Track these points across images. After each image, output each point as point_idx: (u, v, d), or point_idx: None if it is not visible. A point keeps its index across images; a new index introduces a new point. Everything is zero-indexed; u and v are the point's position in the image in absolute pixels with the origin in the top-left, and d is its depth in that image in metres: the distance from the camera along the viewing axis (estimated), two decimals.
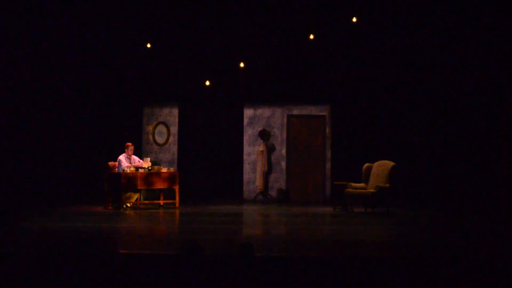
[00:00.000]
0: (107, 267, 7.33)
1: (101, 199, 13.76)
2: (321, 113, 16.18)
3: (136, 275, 7.14)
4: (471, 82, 14.68)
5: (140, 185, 13.38)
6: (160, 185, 13.66)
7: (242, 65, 14.89)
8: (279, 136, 16.27)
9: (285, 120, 16.28)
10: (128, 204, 13.50)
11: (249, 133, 16.31)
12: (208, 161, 16.20)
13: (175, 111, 16.37)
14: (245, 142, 16.30)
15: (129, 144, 13.74)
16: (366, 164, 13.74)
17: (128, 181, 13.24)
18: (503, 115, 14.14)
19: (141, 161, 13.89)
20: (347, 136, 15.66)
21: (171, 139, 16.36)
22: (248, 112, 16.34)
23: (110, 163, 13.86)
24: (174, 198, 13.83)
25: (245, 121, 16.32)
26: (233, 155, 16.26)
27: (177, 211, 13.28)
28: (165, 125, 16.36)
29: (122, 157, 13.57)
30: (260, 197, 16.09)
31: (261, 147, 16.05)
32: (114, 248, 8.68)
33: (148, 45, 14.94)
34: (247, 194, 16.20)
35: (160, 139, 16.35)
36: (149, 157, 15.89)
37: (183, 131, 16.32)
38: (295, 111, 16.28)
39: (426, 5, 14.57)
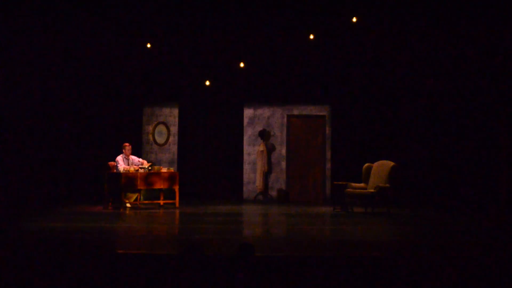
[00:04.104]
0: (106, 267, 7.33)
1: (101, 199, 13.75)
2: (321, 113, 16.18)
3: (136, 275, 7.14)
4: (471, 81, 14.68)
5: (140, 185, 13.37)
6: (160, 185, 13.65)
7: (242, 65, 14.89)
8: (279, 136, 16.27)
9: (285, 120, 16.28)
10: (128, 205, 13.47)
11: (249, 133, 16.31)
12: (208, 161, 16.19)
13: (175, 111, 16.37)
14: (245, 142, 16.30)
15: (126, 144, 13.72)
16: (366, 164, 13.73)
17: (128, 181, 13.24)
18: (503, 114, 14.14)
19: (141, 160, 13.87)
20: (347, 136, 15.66)
21: (171, 139, 16.35)
22: (248, 112, 16.34)
23: (110, 163, 13.86)
24: (174, 198, 13.82)
25: (245, 121, 16.32)
26: (233, 155, 16.25)
27: (177, 211, 13.28)
28: (165, 125, 16.36)
29: (119, 158, 13.55)
30: (260, 197, 16.09)
31: (261, 147, 16.05)
32: (114, 248, 8.68)
33: (148, 45, 14.94)
34: (247, 194, 16.20)
35: (160, 139, 16.35)
36: (149, 157, 15.92)
37: (183, 131, 16.31)
38: (295, 111, 16.28)
39: (427, 5, 14.56)
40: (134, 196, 13.74)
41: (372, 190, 13.01)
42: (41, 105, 15.05)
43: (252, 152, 16.26)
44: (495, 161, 14.24)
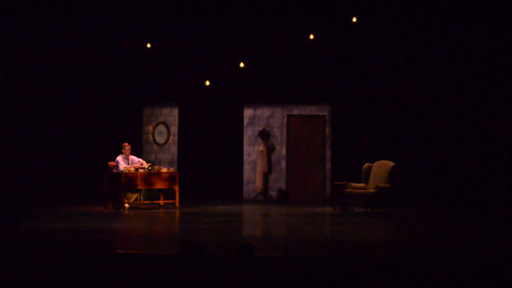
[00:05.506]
0: (106, 267, 7.33)
1: (101, 199, 13.75)
2: (321, 113, 16.18)
3: (136, 276, 7.14)
4: (471, 81, 14.67)
5: (140, 185, 13.37)
6: (160, 185, 13.65)
7: (242, 65, 14.89)
8: (279, 136, 16.27)
9: (285, 120, 16.27)
10: (126, 205, 13.45)
11: (249, 133, 16.31)
12: (208, 161, 16.19)
13: (175, 111, 16.37)
14: (245, 142, 16.30)
15: (126, 144, 13.73)
16: (366, 164, 13.74)
17: (128, 181, 13.24)
18: (503, 114, 14.13)
19: (140, 160, 13.88)
20: (347, 136, 15.65)
21: (171, 139, 16.35)
22: (248, 112, 16.34)
23: (110, 163, 13.86)
24: (174, 198, 13.83)
25: (245, 121, 16.32)
26: (233, 155, 16.25)
27: (177, 211, 13.28)
28: (165, 125, 16.36)
29: (119, 158, 13.56)
30: (260, 197, 16.09)
31: (261, 147, 16.05)
32: (113, 248, 8.68)
33: (148, 45, 14.94)
34: (247, 194, 16.20)
35: (160, 139, 16.35)
36: (149, 157, 15.92)
37: (183, 131, 16.31)
38: (295, 111, 16.28)
39: (427, 5, 14.56)
40: (134, 196, 13.75)
41: (372, 190, 13.01)
42: (41, 105, 15.05)
43: (252, 152, 16.26)
44: (495, 161, 14.24)
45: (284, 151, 16.23)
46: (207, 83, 15.10)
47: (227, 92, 15.82)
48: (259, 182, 16.00)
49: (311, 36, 14.50)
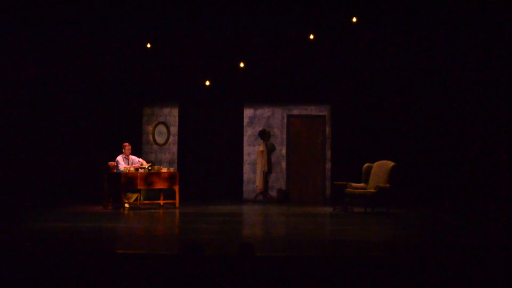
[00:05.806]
0: (106, 267, 7.33)
1: (101, 199, 13.75)
2: (321, 113, 16.18)
3: (136, 276, 7.14)
4: (471, 81, 14.68)
5: (140, 185, 13.37)
6: (160, 185, 13.65)
7: (242, 65, 14.89)
8: (279, 136, 16.27)
9: (285, 120, 16.28)
10: (126, 205, 13.45)
11: (249, 133, 16.31)
12: (208, 161, 16.19)
13: (175, 111, 16.37)
14: (245, 142, 16.30)
15: (126, 144, 13.72)
16: (366, 164, 13.73)
17: (128, 181, 13.24)
18: (503, 114, 14.14)
19: (140, 160, 13.88)
20: (347, 136, 15.66)
21: (171, 139, 16.35)
22: (248, 112, 16.34)
23: (110, 163, 13.86)
24: (174, 198, 13.82)
25: (245, 121, 16.32)
26: (233, 155, 16.25)
27: (177, 211, 13.28)
28: (165, 125, 16.36)
29: (119, 158, 13.56)
30: (260, 197, 16.09)
31: (261, 147, 16.05)
32: (114, 248, 8.69)
33: (148, 45, 14.94)
34: (247, 194, 16.20)
35: (160, 139, 16.35)
36: (149, 157, 15.92)
37: (183, 131, 16.31)
38: (295, 111, 16.28)
39: (427, 5, 14.56)
40: (134, 196, 13.75)
41: (372, 190, 13.00)
42: (41, 105, 15.05)
43: (252, 152, 16.26)
44: (495, 161, 14.24)
45: (284, 151, 16.23)
46: (207, 83, 15.10)
47: (227, 92, 15.83)
48: (259, 182, 16.00)
49: (311, 36, 14.50)
